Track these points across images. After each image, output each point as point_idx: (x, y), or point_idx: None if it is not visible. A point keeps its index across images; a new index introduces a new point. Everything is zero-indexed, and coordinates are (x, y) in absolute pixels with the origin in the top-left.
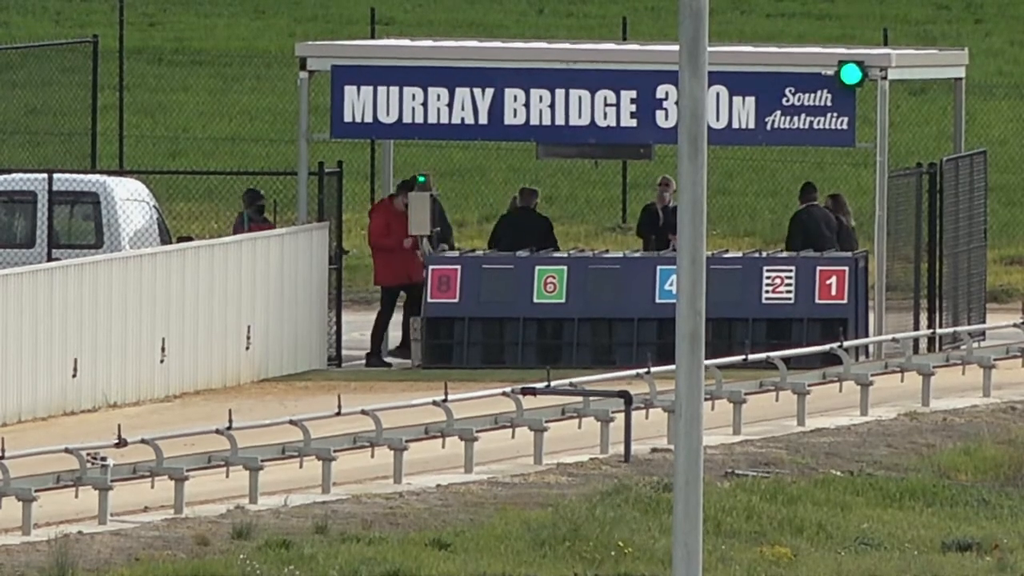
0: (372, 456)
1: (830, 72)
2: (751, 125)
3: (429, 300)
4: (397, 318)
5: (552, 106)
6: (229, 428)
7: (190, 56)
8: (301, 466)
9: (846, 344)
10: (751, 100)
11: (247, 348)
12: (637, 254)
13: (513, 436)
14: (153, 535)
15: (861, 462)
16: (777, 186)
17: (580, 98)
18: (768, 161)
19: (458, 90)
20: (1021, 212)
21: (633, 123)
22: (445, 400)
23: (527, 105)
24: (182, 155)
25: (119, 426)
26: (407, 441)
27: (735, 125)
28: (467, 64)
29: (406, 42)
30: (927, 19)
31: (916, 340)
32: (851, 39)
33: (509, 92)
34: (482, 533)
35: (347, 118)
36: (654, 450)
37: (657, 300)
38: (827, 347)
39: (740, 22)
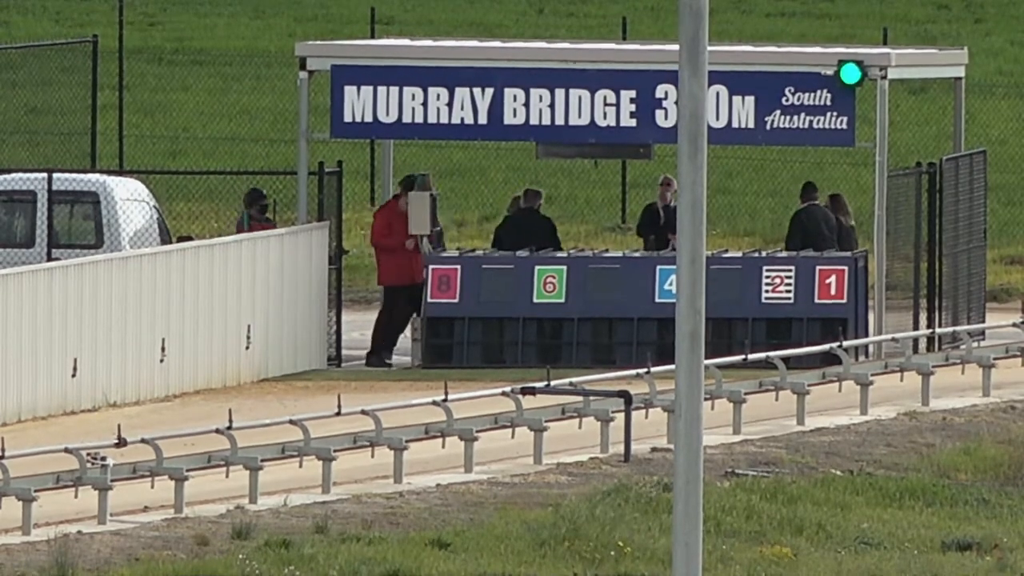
0: (372, 456)
1: (830, 72)
2: (751, 125)
3: (429, 300)
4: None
5: (552, 106)
6: (229, 428)
7: (190, 56)
8: (301, 466)
9: (846, 344)
10: (751, 100)
11: (247, 348)
12: (637, 254)
13: (513, 436)
14: (153, 535)
15: (861, 462)
16: (777, 186)
17: (580, 98)
18: (768, 161)
19: (458, 90)
20: (1021, 212)
21: (633, 123)
22: (445, 400)
23: (527, 105)
24: (182, 155)
25: (119, 426)
26: (407, 441)
27: (735, 125)
28: (467, 64)
29: (406, 42)
30: (927, 19)
31: (916, 340)
32: (851, 38)
33: (509, 92)
34: (482, 533)
35: (347, 118)
36: (654, 450)
37: (657, 300)
38: (827, 347)
39: (740, 22)
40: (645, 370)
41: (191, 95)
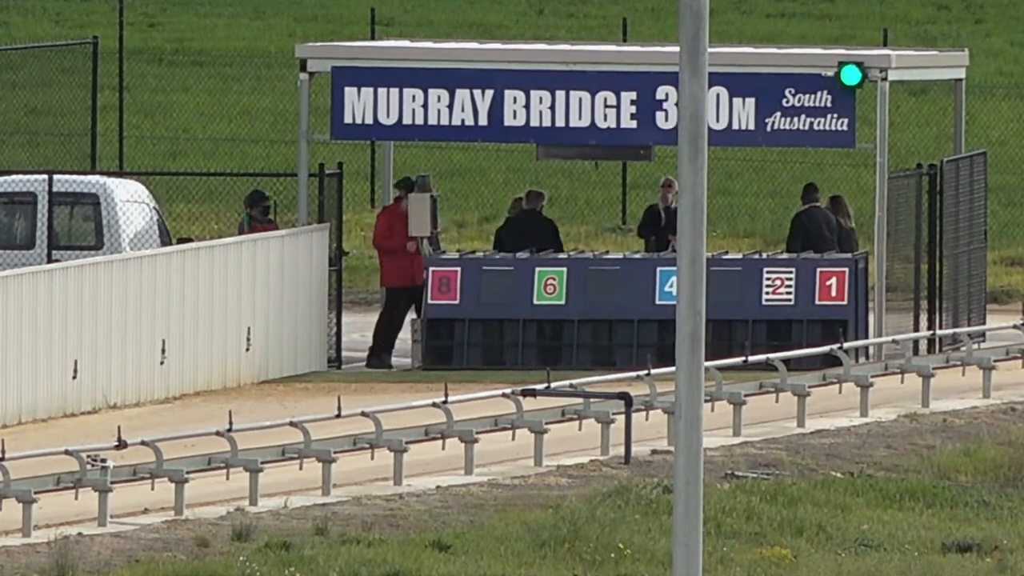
0: (372, 458)
1: (830, 73)
2: (751, 126)
3: (429, 302)
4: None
5: (552, 107)
6: (229, 430)
7: (190, 57)
8: (301, 468)
9: (846, 345)
10: (751, 101)
11: (247, 349)
12: (637, 255)
13: (513, 438)
14: (153, 537)
15: (861, 463)
16: (777, 187)
17: (580, 99)
18: (768, 162)
19: (458, 91)
20: (1021, 213)
21: (633, 124)
22: (445, 402)
23: (527, 106)
24: (182, 156)
25: (119, 428)
26: (407, 443)
27: (735, 126)
28: (467, 65)
29: (406, 43)
30: (927, 19)
31: (916, 341)
32: (851, 40)
33: (509, 93)
34: (482, 535)
35: (347, 119)
36: (654, 451)
37: (657, 302)
38: (827, 348)
39: (740, 23)
40: (645, 372)
41: (191, 96)
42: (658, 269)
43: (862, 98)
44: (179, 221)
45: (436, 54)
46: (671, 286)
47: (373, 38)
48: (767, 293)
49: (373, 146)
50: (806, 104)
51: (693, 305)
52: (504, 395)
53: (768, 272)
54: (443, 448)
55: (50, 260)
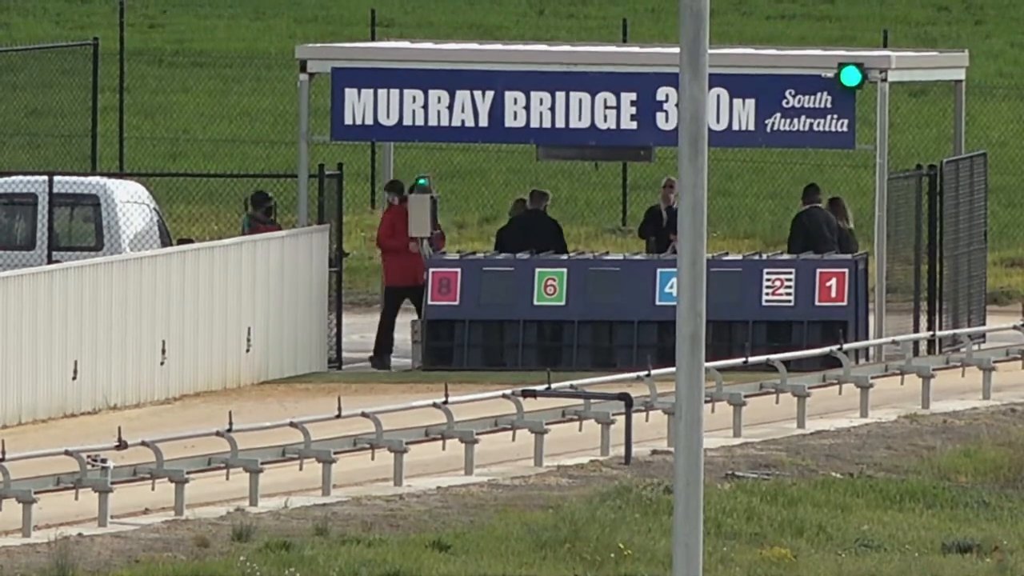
0: (372, 458)
1: (830, 74)
2: (751, 127)
3: (429, 302)
4: (403, 320)
5: (552, 108)
6: (229, 430)
7: (190, 58)
8: (301, 468)
9: (846, 346)
10: (751, 102)
11: (247, 350)
12: (637, 256)
13: (514, 438)
14: (153, 537)
15: (861, 464)
16: (777, 188)
17: (580, 100)
18: (768, 163)
19: (458, 92)
20: (1021, 214)
21: (633, 125)
22: (445, 402)
23: (527, 107)
24: (182, 157)
25: (119, 428)
26: (407, 443)
27: (735, 127)
28: (467, 66)
29: (406, 44)
30: (927, 21)
31: (916, 342)
32: (851, 41)
33: (509, 94)
34: (483, 535)
35: (347, 120)
36: (654, 452)
37: (657, 302)
38: (827, 349)
39: (740, 24)
40: (645, 373)
41: (191, 97)
42: (658, 270)
43: (862, 99)
44: (179, 222)
45: (436, 55)
46: (671, 287)
47: (373, 39)
48: (767, 294)
49: (373, 147)
50: (806, 105)
51: (693, 306)
52: (504, 396)
53: (768, 273)
54: (443, 449)
55: (50, 261)
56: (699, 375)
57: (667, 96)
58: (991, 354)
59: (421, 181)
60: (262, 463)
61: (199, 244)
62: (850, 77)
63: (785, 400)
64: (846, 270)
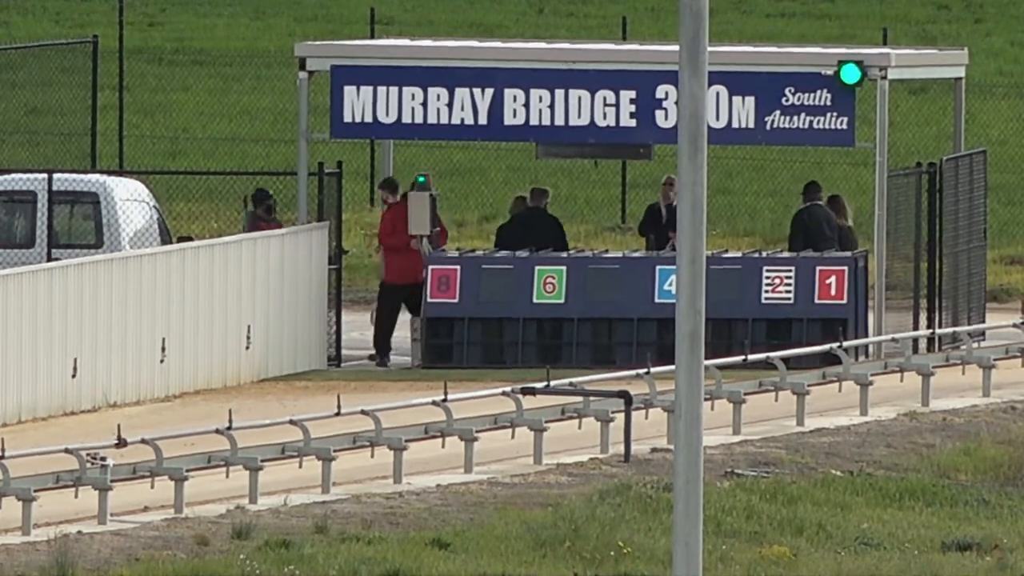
0: (372, 456)
1: (830, 72)
2: (751, 125)
3: (429, 300)
4: (403, 317)
5: (552, 106)
6: (229, 428)
7: (190, 56)
8: (301, 466)
9: (846, 344)
10: (751, 100)
11: (247, 348)
12: (636, 254)
13: (513, 436)
14: (153, 535)
15: (861, 462)
16: (777, 186)
17: (580, 98)
18: (768, 161)
19: (458, 90)
20: (1021, 212)
21: (633, 123)
22: (445, 400)
23: (527, 105)
24: (182, 155)
25: (119, 426)
26: (407, 441)
27: (735, 125)
28: (467, 64)
29: (406, 42)
30: (927, 19)
31: (916, 340)
32: (851, 39)
33: (509, 92)
34: (482, 533)
35: (347, 118)
36: (654, 450)
37: (656, 300)
38: (827, 347)
39: (740, 22)
40: (645, 370)
41: (191, 95)
42: (657, 268)
43: (862, 97)
44: (179, 220)
45: (436, 53)
46: (671, 285)
47: (373, 37)
48: (767, 292)
49: (373, 145)
50: (806, 103)
51: (693, 304)
52: (504, 393)
53: (768, 271)
54: (443, 446)
55: (50, 259)
56: (699, 373)
57: (667, 94)
58: (991, 352)
59: (420, 179)
60: (262, 461)
61: (199, 242)
62: (850, 75)
63: (785, 398)
64: (846, 268)
